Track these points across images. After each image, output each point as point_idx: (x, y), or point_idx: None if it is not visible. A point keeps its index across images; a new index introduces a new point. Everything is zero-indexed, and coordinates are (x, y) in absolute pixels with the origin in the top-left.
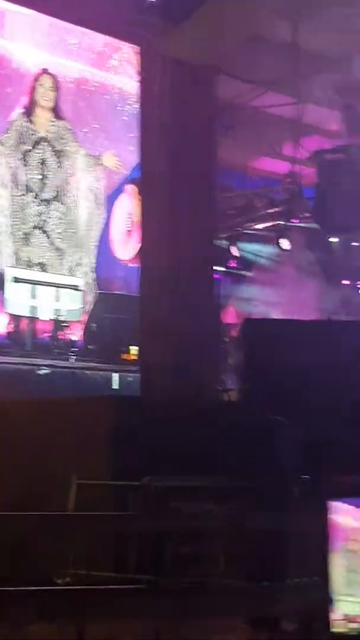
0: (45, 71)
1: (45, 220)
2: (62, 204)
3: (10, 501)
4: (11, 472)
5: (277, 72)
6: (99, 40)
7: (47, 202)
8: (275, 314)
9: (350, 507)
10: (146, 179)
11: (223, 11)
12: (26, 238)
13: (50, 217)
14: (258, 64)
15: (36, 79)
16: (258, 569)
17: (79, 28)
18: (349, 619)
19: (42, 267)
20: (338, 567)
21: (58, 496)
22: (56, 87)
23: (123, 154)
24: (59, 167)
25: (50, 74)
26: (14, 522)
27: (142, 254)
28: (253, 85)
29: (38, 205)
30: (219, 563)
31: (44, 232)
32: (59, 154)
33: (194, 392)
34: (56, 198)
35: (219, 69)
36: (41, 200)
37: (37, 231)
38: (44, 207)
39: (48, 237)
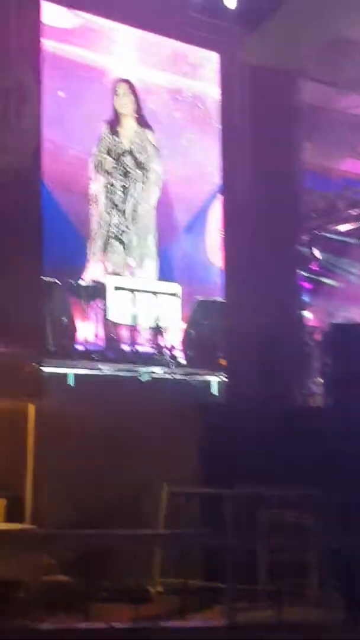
0: (121, 79)
1: (123, 231)
2: (137, 214)
3: (104, 506)
4: (107, 478)
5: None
6: (192, 51)
7: (124, 213)
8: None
9: None
10: (229, 184)
11: (302, 14)
12: (105, 247)
13: (127, 228)
14: (340, 66)
15: (114, 88)
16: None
17: (170, 40)
18: None
19: (119, 274)
20: None
21: (150, 503)
22: (132, 91)
23: (217, 162)
24: (137, 180)
25: (124, 80)
26: (106, 537)
27: (226, 258)
28: (335, 87)
29: (116, 216)
30: (311, 573)
31: (121, 241)
32: (141, 165)
33: (281, 397)
34: (133, 209)
35: (301, 73)
36: (119, 211)
37: (115, 241)
38: (122, 218)
39: (124, 246)
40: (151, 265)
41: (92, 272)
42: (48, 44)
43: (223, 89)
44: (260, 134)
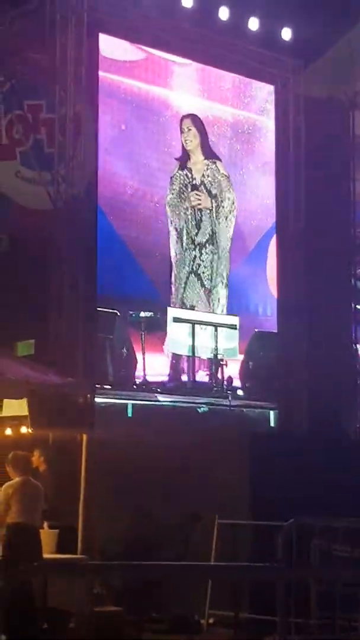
0: (185, 115)
1: (199, 264)
2: (214, 246)
3: (156, 536)
4: (162, 509)
5: None
6: (253, 84)
7: (201, 245)
8: None
9: None
10: (282, 216)
11: (355, 47)
12: (185, 282)
13: (203, 260)
14: None
15: (180, 125)
16: None
17: (231, 74)
18: None
19: (195, 307)
20: None
21: (203, 533)
22: (196, 125)
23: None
24: (214, 210)
25: (188, 115)
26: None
27: (280, 292)
28: None
29: (193, 250)
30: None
31: (198, 275)
32: (214, 198)
33: (334, 429)
34: (209, 241)
35: (355, 104)
36: (196, 244)
37: (192, 275)
38: (198, 251)
39: (201, 280)
40: (223, 295)
41: (159, 305)
42: (110, 77)
43: (277, 121)
44: (314, 165)
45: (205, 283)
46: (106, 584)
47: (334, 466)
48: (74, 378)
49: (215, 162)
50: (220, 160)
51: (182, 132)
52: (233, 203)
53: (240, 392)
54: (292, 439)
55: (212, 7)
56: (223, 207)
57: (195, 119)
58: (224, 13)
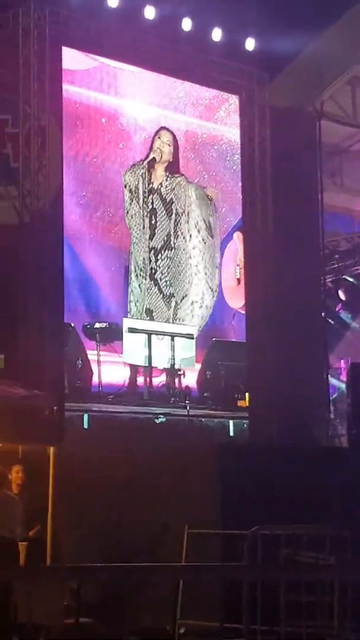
0: (163, 128)
1: (154, 269)
2: (171, 250)
3: (124, 548)
4: (126, 520)
5: None
6: (206, 92)
7: (157, 250)
8: None
9: None
10: (249, 226)
11: (321, 57)
12: (139, 287)
13: (159, 266)
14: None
15: (156, 134)
16: None
17: (184, 82)
18: None
19: (152, 314)
20: None
21: (171, 545)
22: (173, 142)
23: (233, 203)
24: (169, 215)
25: (168, 130)
26: (124, 571)
27: (248, 301)
28: (356, 128)
29: (149, 253)
30: (332, 613)
31: (155, 280)
32: (168, 203)
33: (304, 438)
34: (165, 246)
35: (322, 114)
36: (151, 249)
37: (148, 279)
38: (154, 255)
39: (158, 286)
40: (186, 303)
41: (113, 314)
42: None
43: (243, 131)
44: (281, 176)
45: (163, 290)
46: (78, 596)
47: (304, 475)
48: (41, 391)
49: (176, 175)
50: (182, 174)
51: (157, 139)
52: (192, 215)
53: (198, 402)
54: (260, 448)
55: (175, 18)
56: (181, 216)
57: (173, 134)
58: (186, 24)
